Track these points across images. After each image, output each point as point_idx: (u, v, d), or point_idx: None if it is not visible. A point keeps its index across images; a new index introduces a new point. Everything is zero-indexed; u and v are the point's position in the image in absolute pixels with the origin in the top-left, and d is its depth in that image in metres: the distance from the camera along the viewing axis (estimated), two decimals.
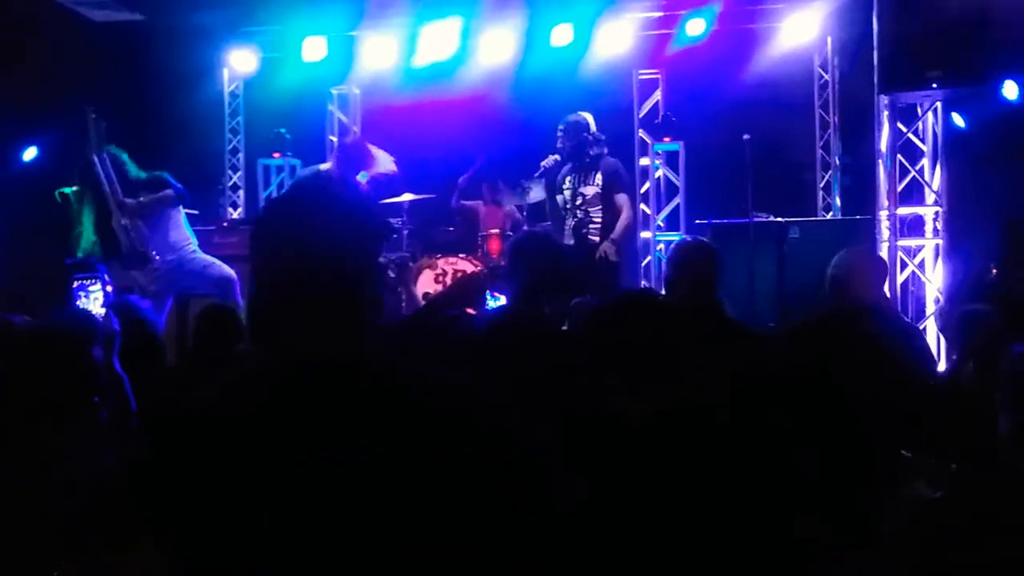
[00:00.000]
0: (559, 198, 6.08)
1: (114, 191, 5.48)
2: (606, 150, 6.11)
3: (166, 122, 8.20)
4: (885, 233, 5.94)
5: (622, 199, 5.95)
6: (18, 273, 5.49)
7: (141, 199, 5.60)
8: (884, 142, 5.88)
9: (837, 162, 8.67)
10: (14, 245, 6.64)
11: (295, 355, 1.27)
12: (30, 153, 7.77)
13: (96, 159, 5.56)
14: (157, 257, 5.58)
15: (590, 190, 5.92)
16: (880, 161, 5.93)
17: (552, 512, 1.26)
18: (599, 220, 5.89)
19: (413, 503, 1.19)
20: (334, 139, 9.39)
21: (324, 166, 6.37)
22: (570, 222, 6.00)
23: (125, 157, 5.74)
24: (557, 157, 6.07)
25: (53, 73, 7.35)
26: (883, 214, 5.97)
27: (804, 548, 1.85)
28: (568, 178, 6.02)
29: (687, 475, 1.75)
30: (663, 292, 3.44)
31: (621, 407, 1.89)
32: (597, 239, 5.83)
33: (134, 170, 5.68)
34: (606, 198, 5.90)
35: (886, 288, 5.79)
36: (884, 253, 5.98)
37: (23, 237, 6.73)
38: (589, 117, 6.12)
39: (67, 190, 6.66)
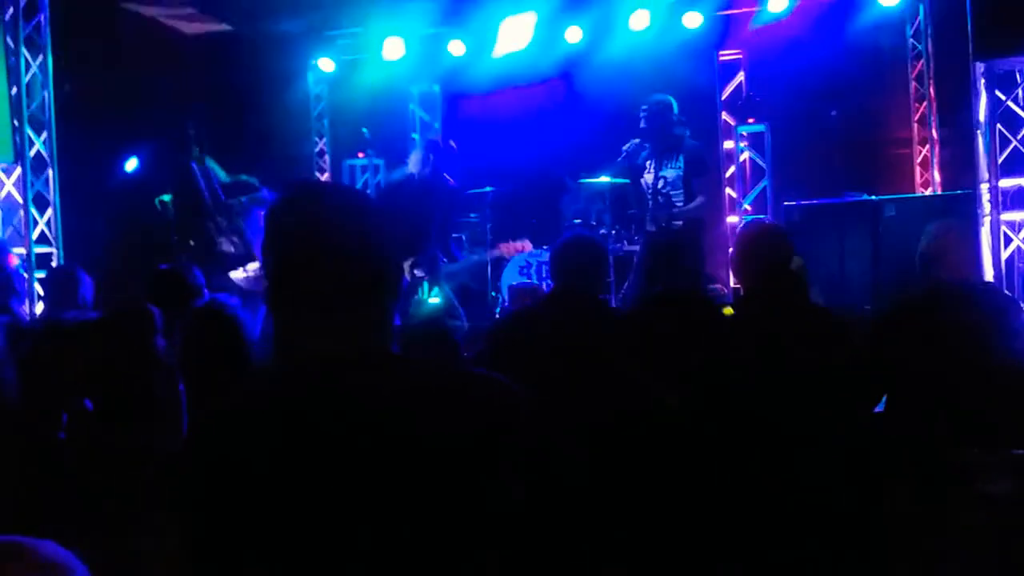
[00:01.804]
0: (642, 181, 6.02)
1: (214, 194, 5.70)
2: (688, 132, 6.01)
3: (256, 127, 8.46)
4: (987, 207, 5.66)
5: (699, 185, 5.84)
6: (120, 280, 5.75)
7: (242, 200, 5.82)
8: (983, 112, 5.59)
9: (935, 135, 8.30)
10: (119, 252, 6.96)
11: (313, 354, 1.25)
12: (131, 164, 8.12)
13: (195, 166, 5.81)
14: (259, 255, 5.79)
15: (671, 173, 5.83)
16: (979, 132, 5.65)
17: (574, 511, 1.24)
18: (680, 204, 5.81)
19: (439, 498, 1.17)
20: (416, 136, 9.52)
21: (411, 167, 6.45)
22: (651, 207, 5.94)
23: (213, 163, 5.96)
24: (638, 140, 6.01)
25: (150, 85, 7.67)
26: (984, 187, 5.69)
27: (873, 540, 1.79)
28: (650, 161, 5.95)
29: (733, 466, 1.71)
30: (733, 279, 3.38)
31: (663, 398, 1.86)
32: (676, 232, 5.78)
33: (223, 175, 5.90)
34: (688, 182, 5.81)
35: (989, 264, 5.55)
36: (986, 228, 5.70)
37: (127, 244, 7.05)
38: (671, 99, 6.03)
39: (166, 197, 6.96)
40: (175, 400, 2.29)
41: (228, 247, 5.94)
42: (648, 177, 5.93)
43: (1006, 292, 4.77)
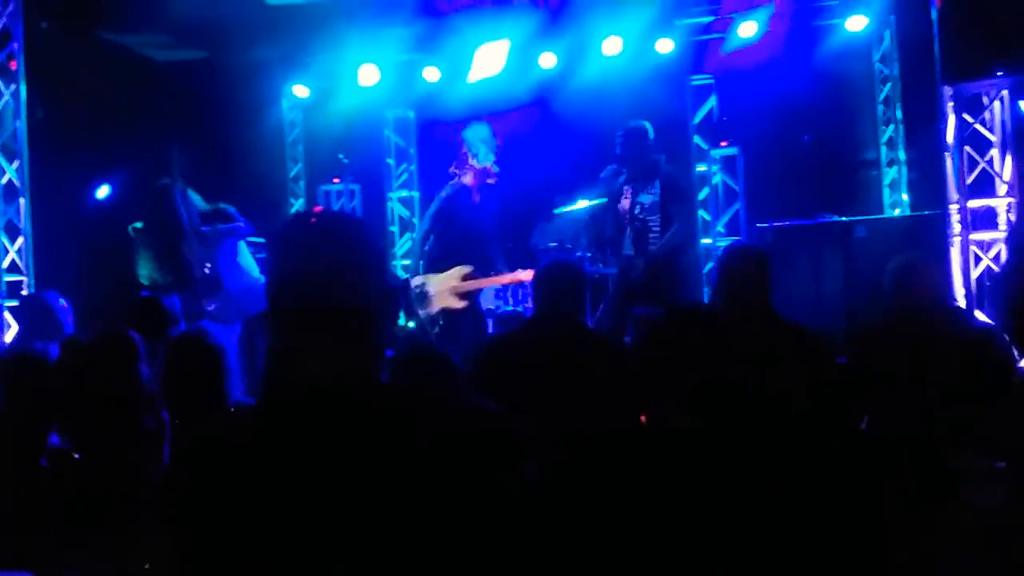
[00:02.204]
0: (619, 207, 6.06)
1: (192, 221, 5.68)
2: (664, 158, 6.07)
3: (230, 153, 8.43)
4: (956, 227, 5.77)
5: (676, 211, 5.90)
6: (95, 308, 5.69)
7: (218, 228, 5.80)
8: (951, 134, 5.71)
9: (903, 157, 8.46)
10: (91, 280, 6.88)
11: (304, 380, 1.26)
12: (103, 191, 8.06)
13: (176, 191, 5.79)
14: (229, 285, 5.75)
15: (648, 199, 5.88)
16: (947, 154, 5.77)
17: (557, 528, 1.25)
18: (658, 230, 5.85)
19: (422, 526, 1.18)
20: (391, 162, 9.53)
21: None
22: (629, 233, 5.97)
23: (191, 191, 5.95)
24: (614, 167, 6.06)
25: (123, 112, 7.63)
26: (953, 208, 5.80)
27: (866, 556, 1.81)
28: (626, 187, 6.00)
29: (739, 487, 1.72)
30: (713, 298, 3.42)
31: (673, 420, 1.87)
32: (653, 256, 5.82)
33: (201, 202, 5.88)
34: (664, 208, 5.86)
35: (960, 284, 5.65)
36: (956, 247, 5.80)
37: (99, 272, 6.97)
38: (647, 125, 6.09)
39: (139, 225, 6.90)
40: (159, 427, 2.27)
41: (201, 273, 5.90)
42: (625, 203, 5.97)
43: (976, 318, 4.83)
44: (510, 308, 7.36)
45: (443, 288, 6.04)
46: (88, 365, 2.18)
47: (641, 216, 5.86)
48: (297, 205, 9.54)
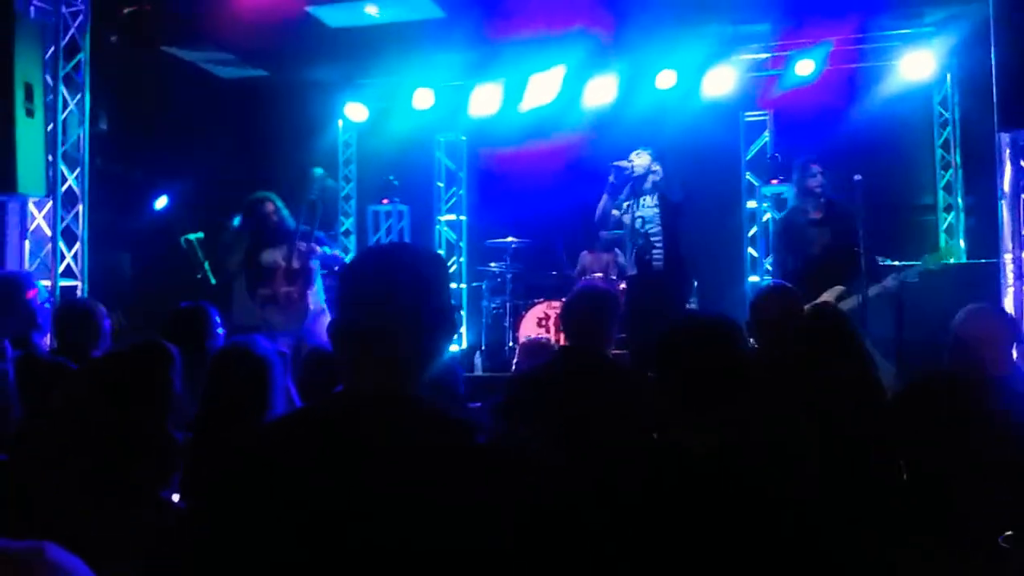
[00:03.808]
0: (616, 219, 6.01)
1: (306, 236, 5.72)
2: (661, 170, 5.95)
3: (285, 170, 8.59)
4: (1010, 277, 5.60)
5: (677, 227, 5.79)
6: (142, 316, 5.82)
7: (324, 249, 5.87)
8: (1007, 182, 5.57)
9: (960, 202, 8.27)
10: (142, 288, 7.05)
11: (354, 393, 1.36)
12: (161, 202, 8.28)
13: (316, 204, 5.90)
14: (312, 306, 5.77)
15: (649, 211, 5.81)
16: (1002, 202, 5.62)
17: (587, 550, 1.26)
18: (659, 241, 5.72)
19: (451, 537, 1.23)
20: (441, 185, 9.62)
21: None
22: (632, 248, 5.91)
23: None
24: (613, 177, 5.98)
25: (181, 126, 7.83)
26: (1008, 257, 5.64)
27: None
28: (628, 202, 5.94)
29: (748, 512, 1.67)
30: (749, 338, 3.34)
31: (684, 440, 1.83)
32: (659, 273, 5.73)
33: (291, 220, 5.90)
34: (665, 224, 5.75)
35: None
36: (1009, 299, 5.64)
37: (151, 281, 7.14)
38: (648, 150, 6.00)
39: (191, 236, 7.06)
40: (174, 449, 2.27)
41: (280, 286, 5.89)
42: (626, 218, 5.92)
43: None
44: (544, 336, 7.35)
45: None
46: (114, 375, 2.20)
47: (643, 229, 5.78)
48: (347, 224, 9.67)
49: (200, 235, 7.20)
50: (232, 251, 5.86)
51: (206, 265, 7.07)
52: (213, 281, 6.86)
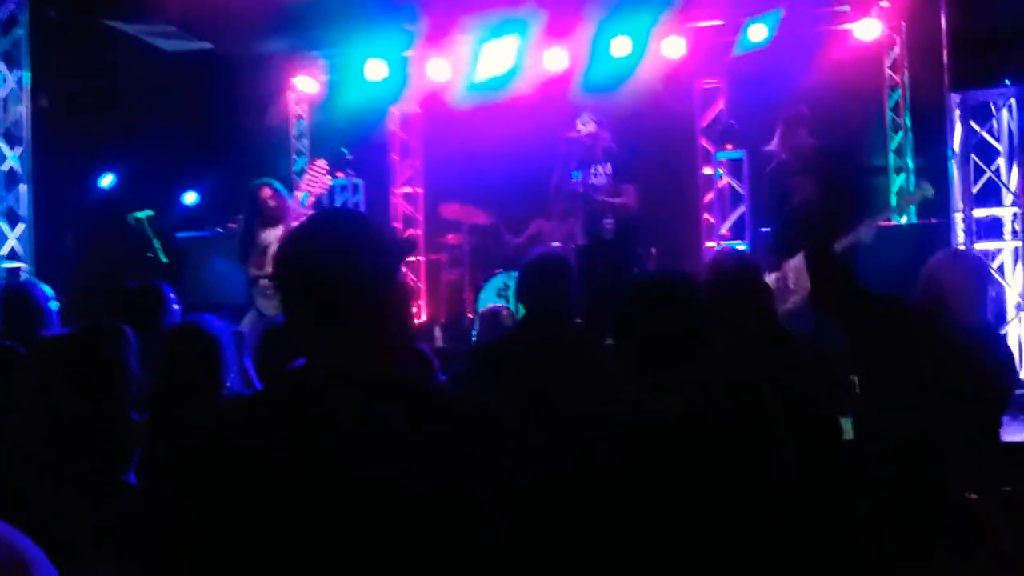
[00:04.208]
0: (569, 188, 5.97)
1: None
2: (609, 136, 5.93)
3: (235, 145, 8.42)
4: (961, 236, 5.72)
5: (627, 188, 5.73)
6: (91, 297, 5.67)
7: None
8: (957, 142, 5.66)
9: (910, 164, 8.39)
10: (90, 269, 6.87)
11: (317, 368, 1.31)
12: (107, 180, 8.07)
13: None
14: None
15: (602, 179, 5.79)
16: (954, 162, 5.72)
17: (567, 522, 1.25)
18: (611, 212, 5.70)
19: (428, 514, 1.20)
20: (396, 157, 9.51)
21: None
22: (581, 216, 5.89)
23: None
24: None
25: (126, 101, 7.62)
26: (958, 216, 5.75)
27: (854, 549, 1.77)
28: (577, 172, 5.91)
29: (716, 475, 1.68)
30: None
31: (649, 404, 1.83)
32: (611, 240, 5.70)
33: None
34: (618, 187, 5.72)
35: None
36: None
37: (99, 261, 6.97)
38: (587, 115, 5.96)
39: (140, 214, 6.90)
40: (133, 432, 2.22)
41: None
42: (578, 187, 5.85)
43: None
44: (501, 305, 7.32)
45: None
46: (70, 357, 2.13)
47: (598, 197, 5.76)
48: (302, 198, 9.51)
49: (149, 212, 7.02)
50: (243, 247, 5.83)
51: (156, 243, 6.91)
52: (164, 260, 6.71)
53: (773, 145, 5.59)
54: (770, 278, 5.43)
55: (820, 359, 3.05)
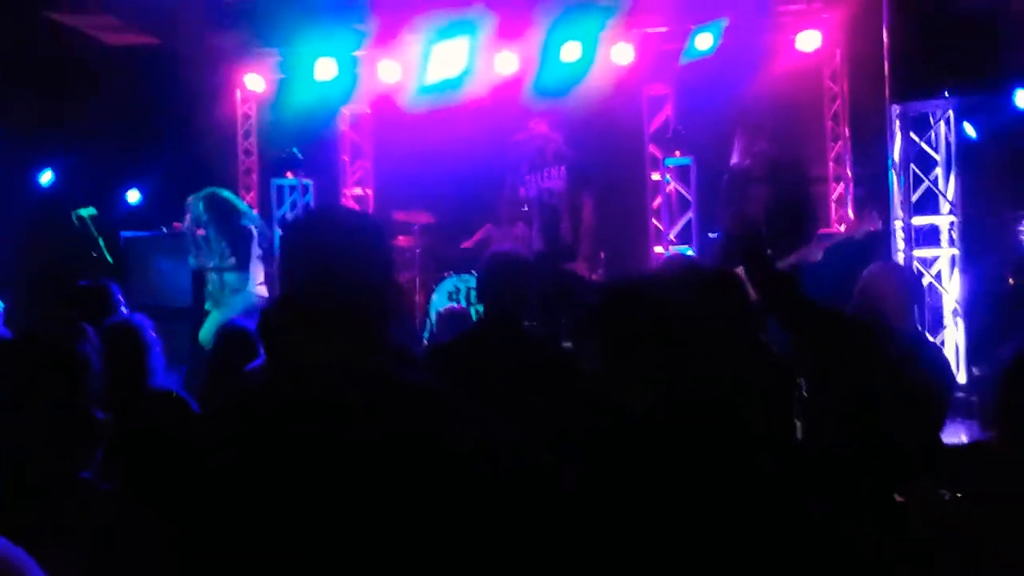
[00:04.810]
0: (520, 196, 5.98)
1: None
2: (561, 139, 5.96)
3: (181, 143, 8.26)
4: (900, 243, 5.91)
5: (587, 197, 5.74)
6: (34, 294, 5.52)
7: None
8: (897, 152, 5.86)
9: (849, 174, 8.65)
10: (33, 267, 6.69)
11: (304, 363, 1.31)
12: (46, 176, 7.86)
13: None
14: None
15: (556, 183, 5.79)
16: (893, 171, 5.92)
17: (543, 512, 1.28)
18: (567, 221, 5.70)
19: (407, 507, 1.21)
20: (346, 158, 9.45)
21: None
22: (536, 224, 5.91)
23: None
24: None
25: (68, 95, 7.43)
26: (898, 224, 5.95)
27: (820, 545, 1.83)
28: (529, 175, 5.87)
29: (691, 468, 1.72)
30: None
31: (624, 398, 1.87)
32: (568, 244, 5.68)
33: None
34: (574, 191, 5.72)
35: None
36: (900, 263, 5.95)
37: (41, 259, 6.78)
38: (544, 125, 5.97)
39: (83, 212, 6.73)
40: (99, 426, 2.19)
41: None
42: (531, 191, 5.83)
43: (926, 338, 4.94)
44: (460, 307, 7.34)
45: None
46: (32, 356, 2.09)
47: (552, 202, 5.76)
48: (248, 198, 9.39)
49: (92, 211, 6.86)
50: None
51: (100, 241, 6.75)
52: (110, 260, 6.57)
53: (735, 154, 5.70)
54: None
55: (775, 362, 3.15)
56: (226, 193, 6.10)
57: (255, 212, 6.57)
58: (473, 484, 1.24)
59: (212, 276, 5.94)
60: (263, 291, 5.89)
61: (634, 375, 1.88)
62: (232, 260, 5.82)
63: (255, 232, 5.90)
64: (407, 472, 1.22)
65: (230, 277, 5.85)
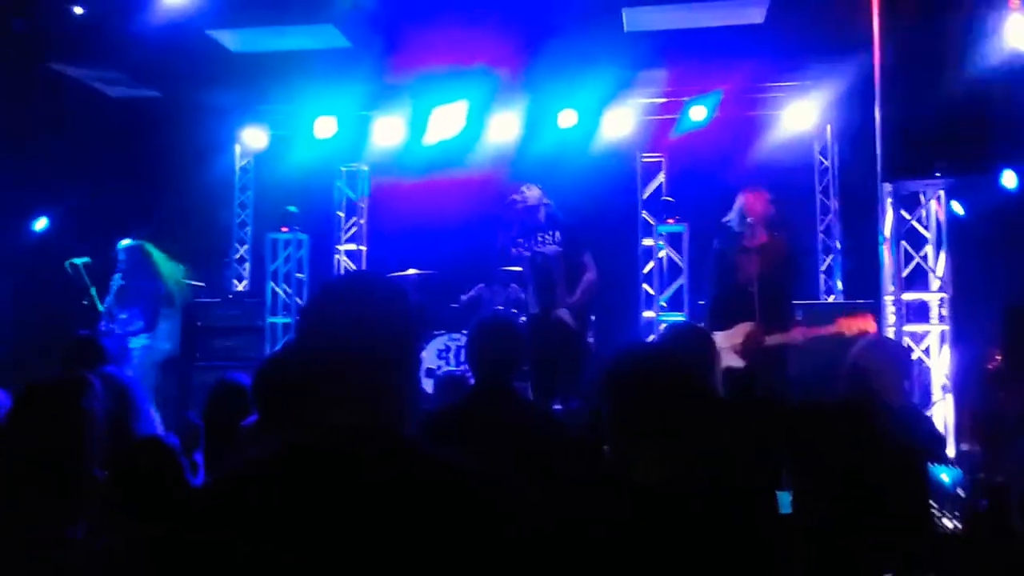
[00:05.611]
0: (512, 257, 5.91)
1: None
2: (554, 205, 5.98)
3: (178, 194, 8.30)
4: (891, 318, 5.97)
5: (588, 259, 5.72)
6: (30, 340, 5.48)
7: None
8: (888, 228, 5.95)
9: (838, 246, 8.77)
10: (25, 312, 6.65)
11: (322, 428, 1.30)
12: (40, 223, 7.86)
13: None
14: None
15: (551, 248, 5.75)
16: (885, 247, 6.00)
17: None
18: (561, 285, 5.64)
19: None
20: (341, 214, 9.51)
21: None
22: (531, 285, 5.85)
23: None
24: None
25: (69, 146, 7.47)
26: (888, 299, 6.00)
27: None
28: (520, 239, 5.80)
29: (698, 542, 1.72)
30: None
31: (632, 473, 1.87)
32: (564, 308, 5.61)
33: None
34: (569, 256, 5.70)
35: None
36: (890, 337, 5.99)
37: (35, 305, 6.75)
38: (526, 190, 6.01)
39: (77, 260, 6.72)
40: (86, 482, 2.16)
41: None
42: (524, 253, 5.79)
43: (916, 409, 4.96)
44: (452, 369, 7.33)
45: (726, 346, 5.23)
46: (42, 412, 2.07)
47: (547, 266, 5.72)
48: (242, 251, 9.41)
49: (86, 259, 6.85)
50: None
51: (92, 291, 6.73)
52: (101, 308, 6.53)
53: (733, 213, 5.74)
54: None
55: (762, 435, 3.15)
56: (153, 249, 6.27)
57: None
58: (487, 554, 1.22)
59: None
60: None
61: (647, 447, 1.88)
62: (140, 324, 6.02)
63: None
64: (411, 542, 1.19)
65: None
